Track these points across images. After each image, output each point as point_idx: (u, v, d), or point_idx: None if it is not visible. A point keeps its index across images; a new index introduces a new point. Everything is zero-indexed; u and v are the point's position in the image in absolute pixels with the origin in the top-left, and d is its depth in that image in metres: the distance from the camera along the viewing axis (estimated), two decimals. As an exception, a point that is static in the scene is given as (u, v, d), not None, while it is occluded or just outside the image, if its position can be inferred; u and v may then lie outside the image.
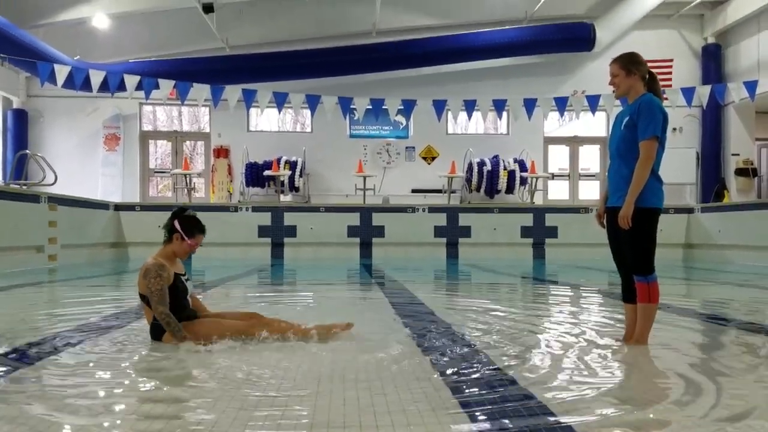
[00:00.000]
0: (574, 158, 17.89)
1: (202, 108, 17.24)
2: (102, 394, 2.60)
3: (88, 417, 2.28)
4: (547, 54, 16.66)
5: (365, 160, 16.76)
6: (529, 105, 14.16)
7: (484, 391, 2.62)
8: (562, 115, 15.89)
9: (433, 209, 14.81)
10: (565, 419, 2.24)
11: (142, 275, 3.60)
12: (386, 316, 4.92)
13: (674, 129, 17.17)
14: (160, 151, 18.28)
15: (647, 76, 3.67)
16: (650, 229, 3.55)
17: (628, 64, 3.64)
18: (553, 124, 18.26)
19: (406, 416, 2.28)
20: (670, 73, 16.22)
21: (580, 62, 17.06)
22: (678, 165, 16.45)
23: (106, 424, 2.20)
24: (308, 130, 17.68)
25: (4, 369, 3.04)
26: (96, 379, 2.84)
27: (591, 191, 17.85)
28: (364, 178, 15.43)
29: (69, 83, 13.00)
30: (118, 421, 2.24)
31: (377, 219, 14.57)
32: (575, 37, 16.13)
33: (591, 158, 17.99)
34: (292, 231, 14.41)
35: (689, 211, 15.09)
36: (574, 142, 17.90)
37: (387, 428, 2.16)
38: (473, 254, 14.32)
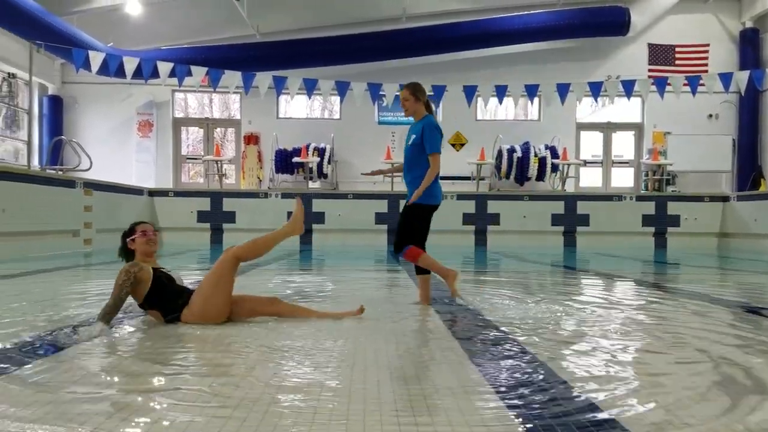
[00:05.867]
0: (607, 144, 17.61)
1: (233, 95, 17.37)
2: (134, 368, 2.65)
3: (118, 396, 2.32)
4: (580, 38, 16.38)
5: (393, 146, 16.73)
6: (562, 90, 13.91)
7: (517, 378, 2.61)
8: (596, 100, 15.62)
9: (462, 196, 14.74)
10: (604, 413, 2.22)
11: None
12: (414, 301, 4.93)
13: (710, 115, 16.80)
14: (191, 138, 18.49)
15: (426, 102, 4.77)
16: (414, 219, 4.83)
17: (416, 92, 4.71)
18: (586, 109, 17.98)
19: (442, 401, 2.29)
20: (706, 58, 15.83)
21: (613, 46, 16.74)
22: (714, 152, 16.11)
23: (137, 397, 2.25)
24: (336, 116, 17.70)
25: (38, 353, 3.12)
26: (119, 356, 2.90)
27: (624, 178, 17.59)
28: (392, 164, 15.41)
29: (103, 70, 13.18)
30: (150, 394, 2.28)
31: (405, 206, 14.51)
32: (610, 22, 15.82)
33: (625, 145, 17.68)
34: (320, 217, 14.48)
35: (725, 199, 14.76)
36: (608, 129, 17.62)
37: (422, 410, 2.16)
38: (502, 242, 14.24)
